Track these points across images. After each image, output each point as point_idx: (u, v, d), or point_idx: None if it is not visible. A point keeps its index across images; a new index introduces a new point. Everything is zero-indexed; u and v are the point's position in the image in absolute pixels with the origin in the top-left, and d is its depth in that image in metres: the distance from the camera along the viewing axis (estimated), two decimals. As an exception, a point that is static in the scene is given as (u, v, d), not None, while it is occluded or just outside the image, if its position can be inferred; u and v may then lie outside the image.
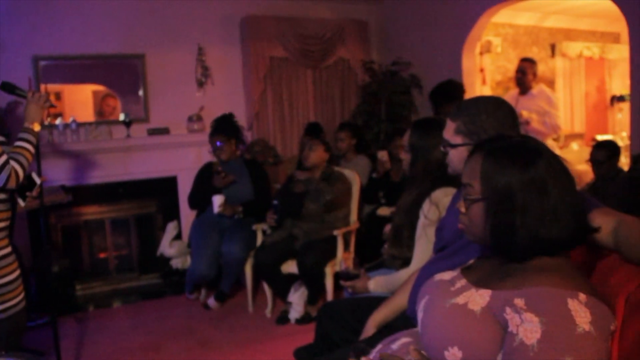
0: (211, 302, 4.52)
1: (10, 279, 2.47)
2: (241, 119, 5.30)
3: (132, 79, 5.43)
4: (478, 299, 1.34)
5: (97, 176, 5.19)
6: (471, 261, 1.58)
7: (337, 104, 6.17)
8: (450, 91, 4.92)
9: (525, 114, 5.04)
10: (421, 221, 2.41)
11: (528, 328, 1.20)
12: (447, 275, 1.52)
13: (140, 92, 5.43)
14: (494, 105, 1.92)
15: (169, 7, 5.44)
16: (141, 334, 4.15)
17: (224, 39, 5.72)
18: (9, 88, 2.69)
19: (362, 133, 5.41)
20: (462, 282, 1.44)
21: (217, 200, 4.40)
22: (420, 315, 1.47)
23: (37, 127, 2.61)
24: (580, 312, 1.19)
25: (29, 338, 3.93)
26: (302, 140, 5.47)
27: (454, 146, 1.95)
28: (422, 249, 2.38)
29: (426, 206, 2.40)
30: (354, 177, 4.33)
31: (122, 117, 5.19)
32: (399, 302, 2.17)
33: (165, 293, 5.14)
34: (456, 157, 1.95)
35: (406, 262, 2.49)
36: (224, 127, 4.70)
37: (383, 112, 5.78)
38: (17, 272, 2.53)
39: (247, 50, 5.68)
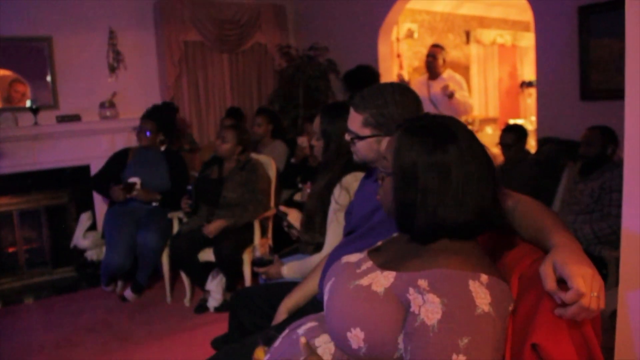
0: (128, 294, 4.41)
1: None
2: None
3: (39, 63, 5.16)
4: (382, 280, 1.35)
5: (3, 166, 4.92)
6: (379, 243, 1.60)
7: (254, 89, 6.12)
8: (364, 77, 4.98)
9: (451, 85, 5.17)
10: (332, 206, 2.43)
11: (429, 309, 1.22)
12: (353, 258, 1.54)
13: (48, 78, 5.18)
14: (400, 94, 1.92)
15: (77, -13, 5.20)
16: (54, 330, 3.99)
17: (137, 23, 5.54)
18: None
19: (279, 118, 5.40)
20: (368, 264, 1.46)
21: (133, 180, 4.30)
22: (326, 297, 1.47)
23: None
24: (480, 293, 1.22)
25: None
26: (222, 123, 5.39)
27: (362, 138, 1.94)
28: (334, 234, 2.39)
29: (337, 191, 2.41)
30: (270, 163, 4.32)
31: (28, 103, 4.94)
32: (310, 286, 2.19)
33: (80, 286, 4.96)
34: (365, 148, 1.96)
35: (319, 247, 2.50)
36: (159, 116, 4.58)
37: (300, 97, 5.78)
38: None
39: (161, 34, 5.53)
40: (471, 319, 1.20)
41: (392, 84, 1.97)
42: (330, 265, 1.80)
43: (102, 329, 3.96)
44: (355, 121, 1.95)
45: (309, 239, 2.59)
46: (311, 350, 1.38)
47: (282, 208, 2.85)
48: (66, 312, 4.33)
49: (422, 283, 1.27)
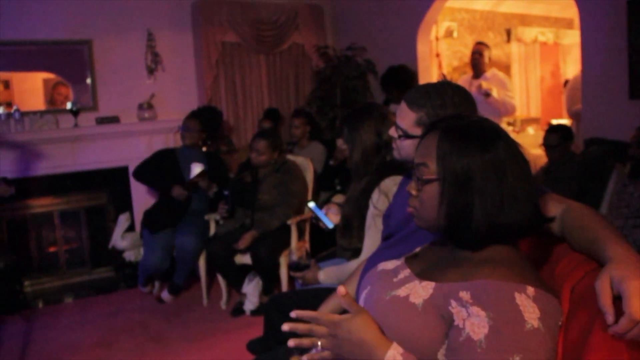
0: (165, 295, 4.42)
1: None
2: (193, 106, 5.19)
3: (80, 66, 5.23)
4: (421, 291, 1.28)
5: (44, 167, 4.99)
6: (417, 249, 1.53)
7: (291, 89, 6.09)
8: (401, 78, 4.91)
9: (484, 84, 5.04)
10: (370, 211, 2.36)
11: (475, 322, 1.15)
12: (390, 265, 1.47)
13: (88, 80, 5.24)
14: (460, 96, 1.80)
15: (116, -10, 5.25)
16: (92, 329, 4.03)
17: (175, 25, 5.56)
18: None
19: (316, 119, 5.36)
20: (406, 272, 1.39)
21: (195, 168, 4.33)
22: (361, 306, 1.41)
23: None
24: (528, 307, 1.15)
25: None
26: (260, 124, 5.37)
27: (412, 137, 1.82)
28: (372, 239, 2.33)
29: (375, 195, 2.35)
30: (307, 164, 4.27)
31: (69, 105, 5.00)
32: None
33: (118, 287, 5.02)
34: (410, 147, 1.86)
35: (356, 252, 2.45)
36: (204, 116, 4.60)
37: (338, 98, 5.73)
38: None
39: (199, 36, 5.54)
40: (521, 335, 1.12)
41: (450, 84, 1.85)
42: (367, 272, 1.73)
43: (139, 329, 3.97)
44: (406, 118, 1.83)
45: (347, 244, 2.54)
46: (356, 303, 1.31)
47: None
48: (104, 312, 4.38)
49: (465, 295, 1.20)
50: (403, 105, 1.85)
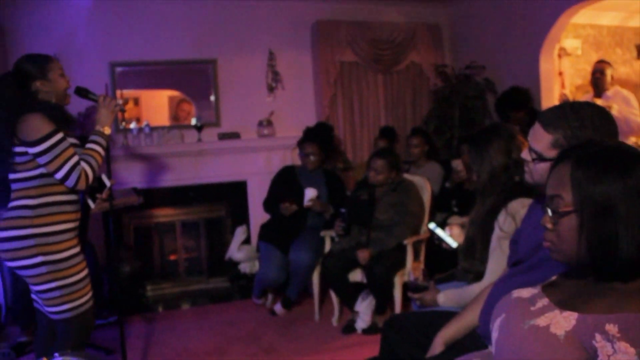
0: (278, 308, 4.49)
1: (77, 279, 2.51)
2: (311, 124, 5.28)
3: (204, 84, 5.51)
4: (562, 322, 1.21)
5: (169, 179, 5.29)
6: (554, 278, 1.45)
7: (408, 108, 6.05)
8: (516, 99, 4.75)
9: (600, 101, 4.78)
10: (496, 233, 2.28)
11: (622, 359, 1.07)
12: (525, 293, 1.40)
13: (212, 97, 5.49)
14: (600, 117, 1.69)
15: (240, 12, 5.50)
16: (207, 337, 4.16)
17: (295, 44, 5.72)
18: (82, 92, 2.74)
19: (433, 139, 5.28)
20: (544, 301, 1.31)
21: (309, 193, 4.39)
22: (494, 334, 1.35)
23: (107, 131, 2.64)
24: None
25: (100, 335, 4.03)
26: (375, 143, 5.38)
27: (547, 160, 1.74)
28: (496, 263, 2.24)
29: (502, 218, 2.27)
30: (424, 184, 4.21)
31: (193, 121, 5.26)
32: (469, 318, 2.05)
33: (233, 297, 5.18)
34: (544, 170, 1.77)
35: (479, 276, 2.37)
36: (318, 137, 4.70)
37: (456, 118, 5.61)
38: (85, 272, 2.56)
39: (318, 55, 5.66)
40: None
41: (589, 104, 1.75)
42: (495, 298, 1.67)
43: (251, 340, 4.05)
44: (541, 140, 1.75)
45: (469, 267, 2.47)
46: None
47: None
48: (218, 321, 4.51)
49: (611, 328, 1.12)
50: (537, 127, 1.77)
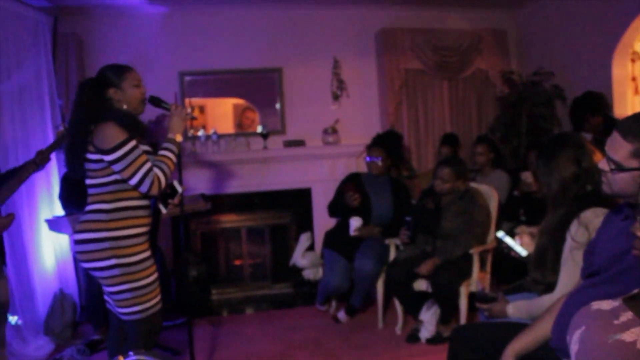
0: (341, 315, 4.50)
1: (148, 282, 2.58)
2: (376, 131, 5.28)
3: (270, 92, 5.60)
4: (650, 337, 1.17)
5: (235, 186, 5.39)
6: (636, 291, 1.39)
7: (473, 116, 5.96)
8: (593, 103, 4.58)
9: None
10: (568, 244, 2.22)
11: None
12: (605, 305, 1.36)
13: (277, 105, 5.57)
14: None
15: (306, 21, 5.57)
16: (271, 342, 4.21)
17: (360, 52, 5.74)
18: (155, 101, 2.82)
19: (500, 147, 5.18)
20: (628, 315, 1.27)
21: (354, 223, 4.40)
22: (574, 347, 1.32)
23: (179, 138, 2.71)
24: None
25: (166, 337, 4.13)
26: (439, 150, 5.33)
27: (627, 170, 1.71)
28: (569, 274, 2.18)
29: (574, 228, 2.21)
30: (492, 193, 4.14)
31: (259, 129, 5.35)
32: (541, 330, 2.00)
33: (296, 303, 5.21)
34: (625, 181, 1.72)
35: (550, 287, 2.30)
36: (387, 143, 4.70)
37: (523, 125, 5.49)
38: (155, 276, 2.63)
39: (383, 63, 5.66)
40: None
41: None
42: (570, 310, 1.62)
43: (314, 347, 4.07)
44: (621, 149, 1.72)
45: (540, 278, 2.40)
46: None
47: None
48: (282, 326, 4.55)
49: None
50: (616, 136, 1.72)
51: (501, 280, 4.40)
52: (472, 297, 3.35)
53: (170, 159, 2.63)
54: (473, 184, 4.20)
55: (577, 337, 1.32)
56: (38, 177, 3.34)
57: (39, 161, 3.18)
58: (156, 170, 2.53)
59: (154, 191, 2.52)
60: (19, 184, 3.11)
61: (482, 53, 5.88)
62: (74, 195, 4.05)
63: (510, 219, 4.52)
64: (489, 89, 5.98)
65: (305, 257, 5.33)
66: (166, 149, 2.64)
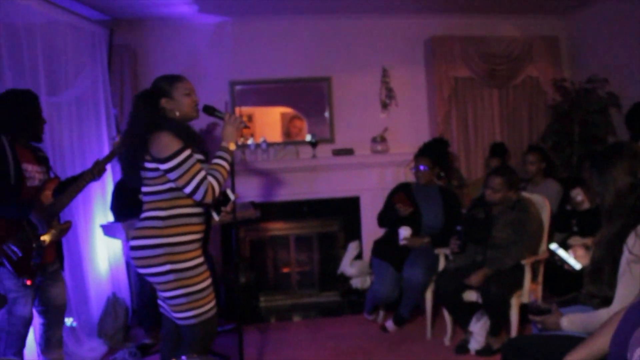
0: (389, 324, 4.48)
1: (202, 287, 2.63)
2: (425, 140, 5.27)
3: (319, 101, 5.65)
4: None
5: (284, 194, 5.45)
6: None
7: (524, 124, 5.87)
8: None
9: None
10: (625, 257, 2.17)
11: None
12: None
13: (326, 114, 5.61)
14: None
15: (354, 30, 5.60)
16: (319, 350, 4.23)
17: (408, 60, 5.74)
18: (209, 110, 2.88)
19: (551, 156, 5.08)
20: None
21: (403, 232, 4.40)
22: None
23: (232, 147, 2.76)
24: None
25: (215, 343, 4.17)
26: (487, 162, 5.27)
27: None
28: (626, 288, 2.13)
29: (631, 240, 2.16)
30: (544, 203, 4.07)
31: (308, 137, 5.39)
32: (598, 345, 1.96)
33: (343, 311, 5.22)
34: None
35: (606, 301, 2.26)
36: (433, 152, 4.69)
37: (576, 134, 5.38)
38: (208, 281, 2.68)
39: (432, 71, 5.64)
40: None
41: None
42: (629, 324, 1.59)
43: (361, 356, 4.07)
44: None
45: (596, 291, 2.35)
46: None
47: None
48: (329, 334, 4.57)
49: None
50: None
51: (553, 292, 4.32)
52: (524, 309, 3.30)
53: (224, 167, 2.67)
54: (525, 194, 4.14)
55: (638, 355, 1.29)
56: (93, 184, 3.43)
57: (96, 172, 3.28)
58: (210, 178, 2.58)
59: (208, 199, 2.57)
60: (76, 193, 3.22)
61: (533, 60, 5.78)
62: (125, 205, 4.18)
63: (562, 230, 4.44)
64: (540, 97, 5.88)
65: (353, 266, 5.35)
66: (220, 157, 2.69)
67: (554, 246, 2.73)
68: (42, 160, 3.21)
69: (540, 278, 3.99)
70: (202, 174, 2.55)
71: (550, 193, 4.56)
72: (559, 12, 5.86)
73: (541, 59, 5.81)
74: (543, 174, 4.86)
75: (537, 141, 5.61)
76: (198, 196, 2.54)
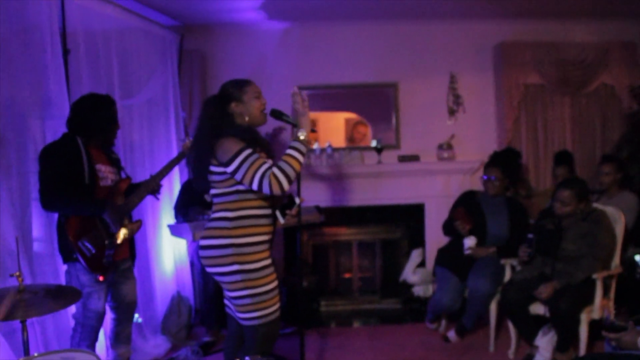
0: (451, 335, 4.41)
1: (268, 289, 2.66)
2: (493, 148, 5.17)
3: (385, 106, 5.62)
4: None
5: (348, 199, 5.45)
6: None
7: (597, 133, 5.65)
8: None
9: None
10: None
11: None
12: None
13: (392, 120, 5.57)
14: None
15: (422, 36, 5.54)
16: (379, 357, 4.21)
17: (477, 67, 5.63)
18: (277, 114, 2.91)
19: (627, 166, 4.88)
20: None
21: (468, 242, 4.35)
22: None
23: (304, 136, 2.67)
24: None
25: (276, 345, 4.21)
26: (554, 172, 5.09)
27: None
28: None
29: None
30: (619, 215, 3.90)
31: (373, 143, 5.37)
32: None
33: (405, 319, 5.18)
34: None
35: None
36: (504, 162, 4.63)
37: (654, 143, 5.16)
38: (274, 283, 2.70)
39: (501, 78, 5.52)
40: None
41: None
42: None
43: (422, 365, 4.02)
44: None
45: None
46: None
47: None
48: (390, 342, 4.53)
49: None
50: None
51: (626, 309, 4.14)
52: (596, 325, 3.18)
53: (293, 156, 2.59)
54: (598, 205, 3.99)
55: None
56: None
57: (151, 191, 3.42)
58: (274, 169, 2.53)
59: (276, 190, 2.51)
60: (146, 193, 3.36)
61: (609, 67, 5.56)
62: (190, 205, 4.28)
63: (638, 244, 4.25)
64: (614, 105, 5.65)
65: (416, 273, 5.29)
66: (292, 147, 2.63)
67: (639, 257, 2.61)
68: (115, 162, 3.34)
69: (611, 294, 3.83)
70: (264, 167, 2.52)
71: (626, 205, 4.36)
72: (637, 16, 5.63)
73: (617, 65, 5.59)
74: (618, 186, 4.66)
75: (612, 151, 5.41)
76: (265, 190, 2.51)
